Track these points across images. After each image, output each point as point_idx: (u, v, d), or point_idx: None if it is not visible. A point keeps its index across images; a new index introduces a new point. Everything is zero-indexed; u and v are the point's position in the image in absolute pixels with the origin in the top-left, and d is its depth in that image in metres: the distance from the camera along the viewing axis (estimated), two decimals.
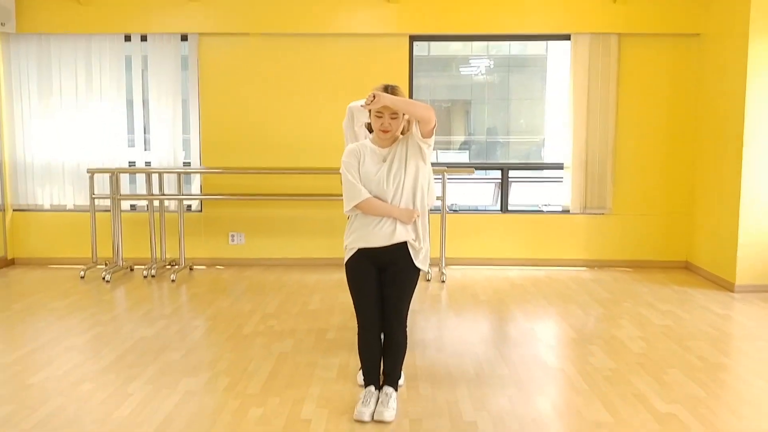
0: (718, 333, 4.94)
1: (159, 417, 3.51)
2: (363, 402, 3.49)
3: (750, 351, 4.61)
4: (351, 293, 3.58)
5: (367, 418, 3.43)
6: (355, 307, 3.59)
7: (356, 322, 3.62)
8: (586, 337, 4.86)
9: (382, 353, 3.62)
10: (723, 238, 6.33)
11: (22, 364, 4.29)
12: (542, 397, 3.79)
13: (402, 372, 3.78)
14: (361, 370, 3.83)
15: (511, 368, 4.22)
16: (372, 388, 3.57)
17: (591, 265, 7.16)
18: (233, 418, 3.50)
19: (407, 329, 3.63)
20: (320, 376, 4.08)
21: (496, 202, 7.49)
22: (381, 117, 3.38)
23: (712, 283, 6.44)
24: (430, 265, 6.75)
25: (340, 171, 3.52)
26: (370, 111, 3.43)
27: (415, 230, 3.48)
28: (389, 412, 3.44)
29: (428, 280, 6.57)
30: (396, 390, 3.62)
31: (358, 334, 3.61)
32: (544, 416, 3.54)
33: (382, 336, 3.64)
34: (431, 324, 5.20)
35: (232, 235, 7.24)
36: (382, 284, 3.53)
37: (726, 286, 6.22)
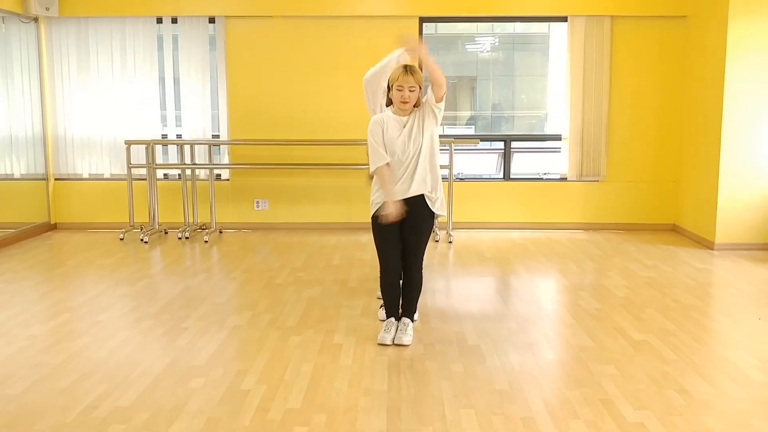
0: (694, 283, 5.58)
1: (214, 344, 4.18)
2: (385, 329, 4.16)
3: (720, 296, 5.26)
4: (375, 241, 4.21)
5: (388, 342, 4.09)
6: (378, 253, 4.23)
7: (378, 269, 4.26)
8: (578, 285, 5.51)
9: (402, 291, 4.26)
10: (705, 202, 6.94)
11: (88, 306, 4.96)
12: (536, 329, 4.45)
13: (417, 310, 4.43)
14: (381, 309, 4.51)
15: (511, 309, 4.88)
16: (392, 319, 4.23)
17: (586, 227, 7.79)
18: (276, 343, 4.17)
19: (423, 270, 4.28)
20: (346, 314, 4.75)
21: (500, 170, 8.08)
22: (401, 90, 3.99)
23: (696, 243, 7.07)
24: (438, 228, 7.40)
25: (367, 138, 4.15)
26: (390, 87, 4.04)
27: (430, 183, 4.11)
28: (407, 338, 4.11)
29: (437, 241, 7.20)
30: (413, 321, 4.28)
31: (381, 276, 4.25)
32: (537, 342, 4.20)
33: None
34: (441, 276, 5.84)
35: (257, 202, 7.89)
36: (403, 231, 4.16)
37: (707, 245, 6.85)
